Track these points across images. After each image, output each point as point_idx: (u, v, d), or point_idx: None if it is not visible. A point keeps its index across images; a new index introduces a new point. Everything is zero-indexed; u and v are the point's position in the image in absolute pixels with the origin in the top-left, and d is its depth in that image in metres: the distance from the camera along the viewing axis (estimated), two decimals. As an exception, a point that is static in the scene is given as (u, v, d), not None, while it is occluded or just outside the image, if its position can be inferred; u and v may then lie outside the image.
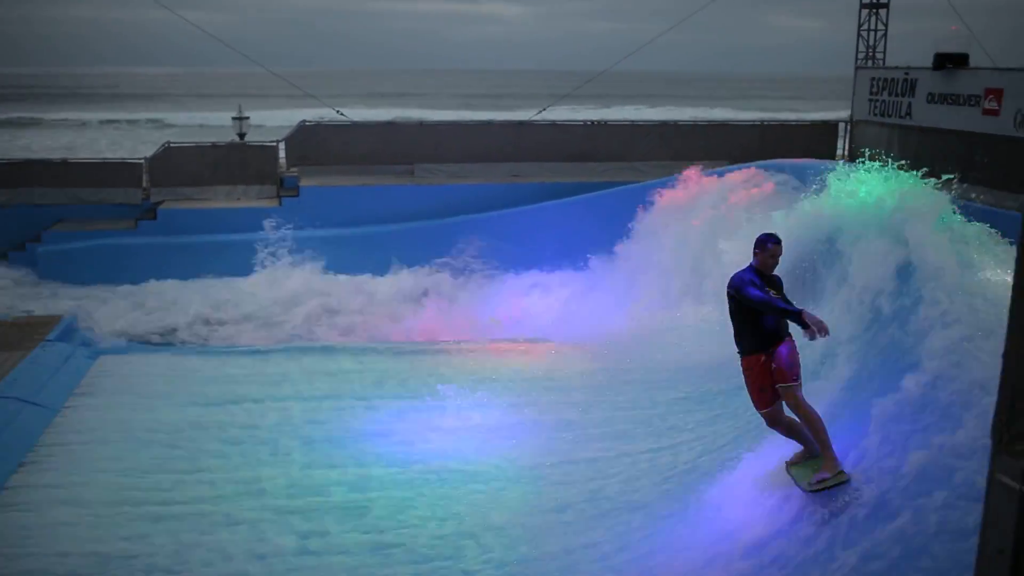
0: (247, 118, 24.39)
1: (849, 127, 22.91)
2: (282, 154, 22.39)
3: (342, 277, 19.31)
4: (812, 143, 22.87)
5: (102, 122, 68.80)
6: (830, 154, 22.86)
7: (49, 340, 13.64)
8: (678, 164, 20.84)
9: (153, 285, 18.85)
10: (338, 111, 24.18)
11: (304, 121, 22.82)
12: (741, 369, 7.67)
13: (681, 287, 16.32)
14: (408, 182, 21.57)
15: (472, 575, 8.23)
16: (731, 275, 7.59)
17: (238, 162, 21.71)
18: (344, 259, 19.55)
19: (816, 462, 7.33)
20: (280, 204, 20.75)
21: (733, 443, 9.85)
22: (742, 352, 7.63)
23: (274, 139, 22.61)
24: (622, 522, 8.89)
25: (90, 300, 18.09)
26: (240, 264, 19.33)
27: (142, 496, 9.68)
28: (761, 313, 7.37)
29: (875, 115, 21.23)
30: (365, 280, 19.35)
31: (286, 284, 18.89)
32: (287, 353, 14.89)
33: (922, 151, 19.18)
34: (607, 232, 18.38)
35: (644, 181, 20.07)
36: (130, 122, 68.54)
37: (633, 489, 9.62)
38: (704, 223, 16.64)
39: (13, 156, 24.58)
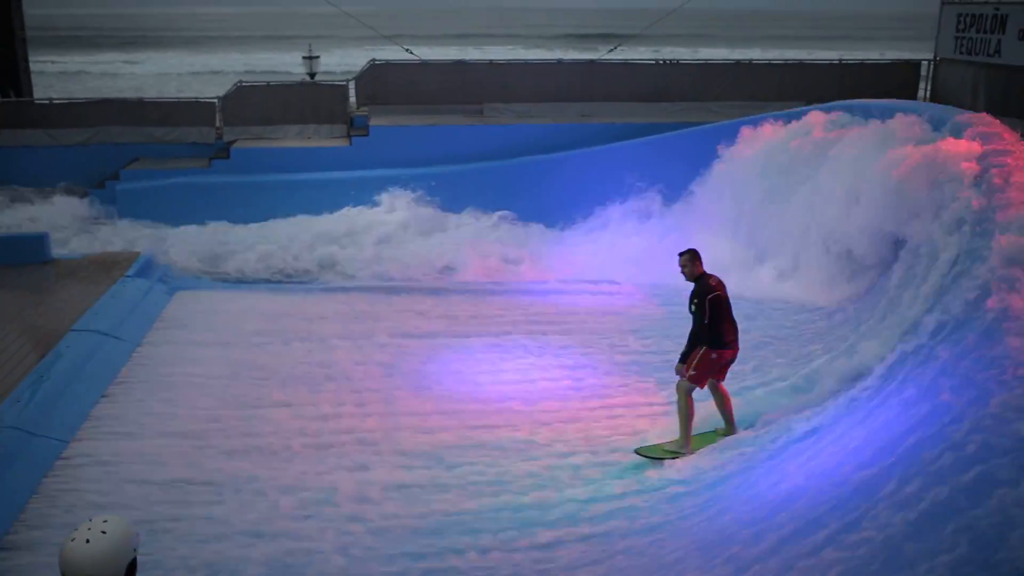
0: (317, 57, 24.46)
1: (932, 67, 22.10)
2: (352, 94, 22.45)
3: (411, 217, 19.36)
4: (893, 83, 22.11)
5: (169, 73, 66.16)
6: (911, 95, 22.10)
7: (128, 276, 13.99)
8: (752, 104, 20.38)
9: (227, 223, 19.16)
10: (407, 50, 24.06)
11: (374, 60, 22.78)
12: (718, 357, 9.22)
13: (750, 234, 16.01)
14: (477, 122, 21.47)
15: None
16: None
17: (309, 101, 21.82)
18: (413, 199, 19.59)
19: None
20: (350, 143, 20.86)
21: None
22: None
23: (343, 78, 22.63)
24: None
25: (167, 237, 18.50)
26: (312, 203, 19.54)
27: (218, 428, 9.93)
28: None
29: (961, 53, 20.40)
30: (433, 220, 19.38)
31: (357, 223, 19.05)
32: (359, 292, 15.08)
33: (1011, 91, 18.45)
34: (679, 174, 18.07)
35: (718, 122, 19.68)
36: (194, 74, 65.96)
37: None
38: (779, 168, 16.23)
39: (91, 96, 25.03)
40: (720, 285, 9.17)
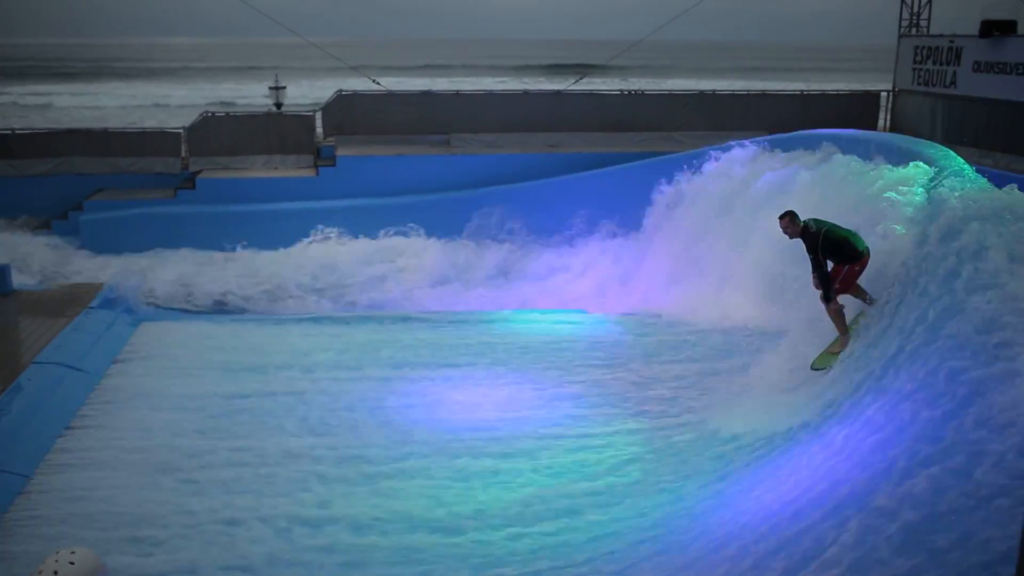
0: (284, 88, 24.44)
1: (891, 97, 22.54)
2: (319, 124, 22.45)
3: (378, 247, 19.35)
4: (853, 113, 22.49)
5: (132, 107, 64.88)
6: (871, 125, 22.51)
7: (92, 308, 13.85)
8: (717, 134, 20.63)
9: (192, 254, 19.01)
10: (374, 80, 24.14)
11: (341, 91, 22.82)
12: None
13: (715, 261, 16.11)
14: (444, 152, 21.54)
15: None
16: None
17: (275, 132, 21.78)
18: (380, 229, 19.61)
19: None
20: (317, 174, 20.84)
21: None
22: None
23: (310, 109, 22.65)
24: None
25: (131, 268, 18.30)
26: (278, 233, 19.46)
27: (181, 461, 9.83)
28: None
29: (919, 85, 20.84)
30: (399, 250, 19.38)
31: (323, 254, 18.99)
32: (323, 322, 15.02)
33: (967, 122, 18.87)
34: (646, 203, 18.21)
35: (683, 151, 19.88)
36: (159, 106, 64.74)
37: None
38: (740, 196, 16.41)
39: (54, 126, 24.85)
40: (819, 226, 9.85)
